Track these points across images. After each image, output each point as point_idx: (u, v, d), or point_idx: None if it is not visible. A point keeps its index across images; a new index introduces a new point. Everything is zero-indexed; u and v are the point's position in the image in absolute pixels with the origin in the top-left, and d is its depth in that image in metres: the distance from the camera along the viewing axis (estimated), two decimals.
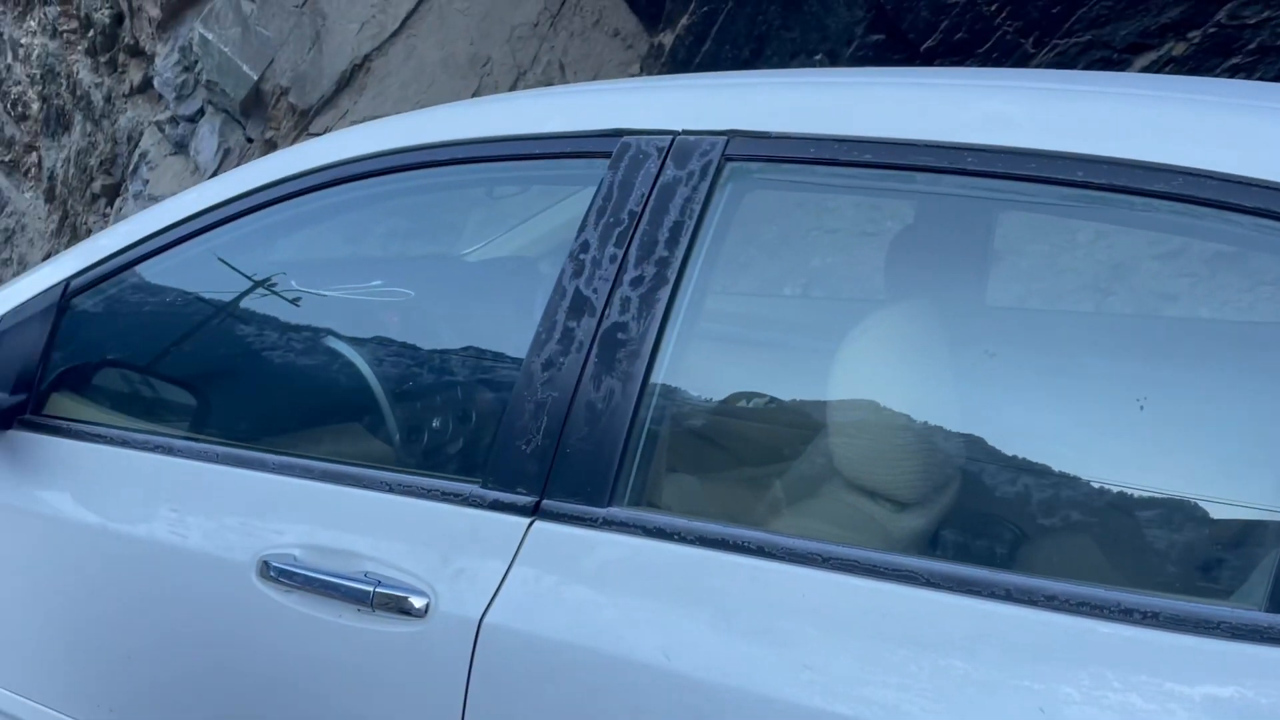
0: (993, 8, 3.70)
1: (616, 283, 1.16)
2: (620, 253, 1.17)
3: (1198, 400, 1.01)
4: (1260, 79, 2.66)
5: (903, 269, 1.31)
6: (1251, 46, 3.33)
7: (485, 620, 1.13)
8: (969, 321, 1.27)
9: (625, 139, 1.21)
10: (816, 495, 1.29)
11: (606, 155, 1.21)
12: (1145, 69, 3.51)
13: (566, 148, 1.26)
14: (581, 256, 1.19)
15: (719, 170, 1.15)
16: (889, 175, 1.08)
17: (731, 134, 1.16)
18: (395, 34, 5.31)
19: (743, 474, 1.32)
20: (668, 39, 4.76)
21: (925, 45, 3.89)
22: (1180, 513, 0.97)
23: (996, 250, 1.24)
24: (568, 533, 1.13)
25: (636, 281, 1.15)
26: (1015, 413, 1.17)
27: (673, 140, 1.18)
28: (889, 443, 1.23)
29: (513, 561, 1.14)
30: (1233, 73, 3.45)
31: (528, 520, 1.15)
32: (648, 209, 1.16)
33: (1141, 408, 1.00)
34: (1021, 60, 3.87)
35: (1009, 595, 0.93)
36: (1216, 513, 0.93)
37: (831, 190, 1.23)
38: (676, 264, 1.14)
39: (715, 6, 4.64)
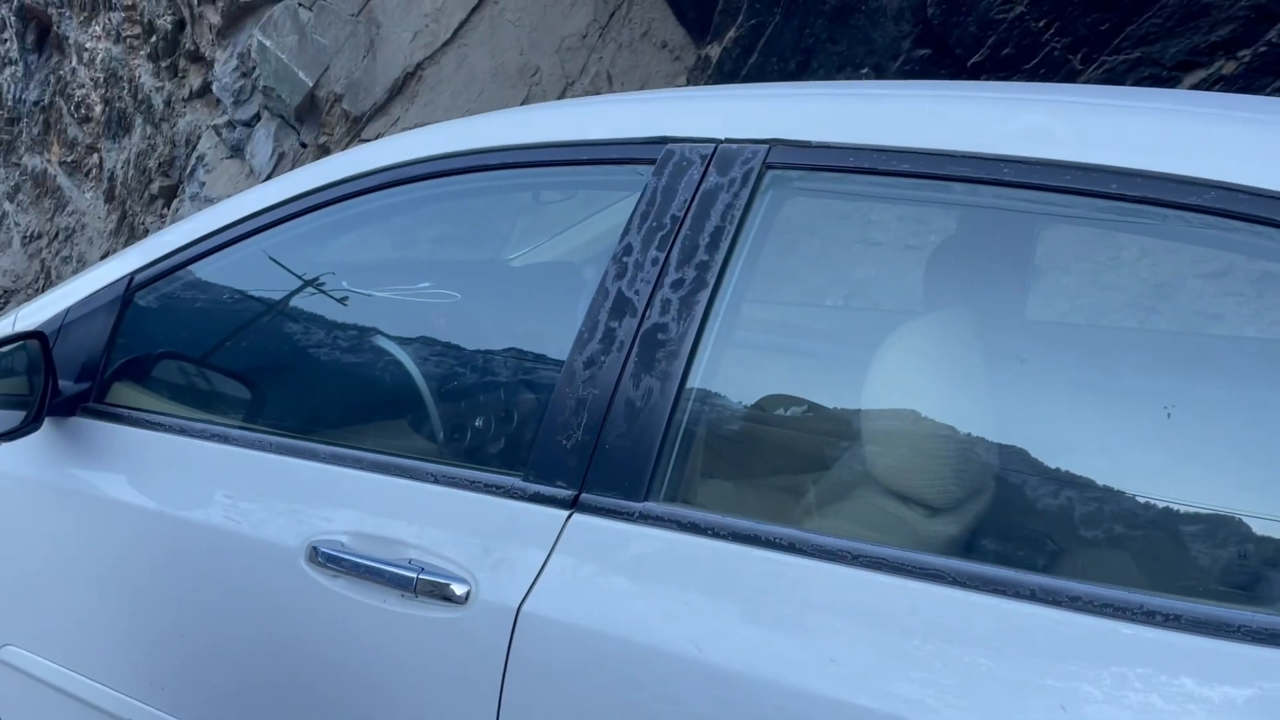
0: (1041, 24, 3.70)
1: (658, 285, 1.19)
2: (662, 256, 1.20)
3: (1226, 414, 1.02)
4: None
5: (940, 279, 1.33)
6: None
7: (523, 608, 1.17)
8: (1005, 333, 1.29)
9: (670, 146, 1.25)
10: (850, 499, 1.32)
11: (651, 162, 1.25)
12: (1194, 87, 3.49)
13: (612, 154, 1.30)
14: (625, 259, 1.23)
15: (760, 178, 1.18)
16: (927, 185, 1.11)
17: (773, 143, 1.19)
18: (447, 43, 5.41)
19: (776, 475, 1.35)
20: (715, 51, 4.81)
21: (972, 60, 3.89)
22: (1206, 520, 0.98)
23: (1038, 264, 1.26)
24: (605, 525, 1.16)
25: (677, 284, 1.19)
26: (1047, 423, 1.19)
27: (715, 148, 1.22)
28: (922, 449, 1.25)
29: (551, 552, 1.18)
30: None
31: (566, 513, 1.19)
32: (690, 214, 1.20)
33: (1169, 415, 1.02)
34: (1069, 77, 3.86)
35: (1034, 595, 0.95)
36: (1241, 520, 0.95)
37: (871, 200, 1.26)
38: (716, 268, 1.17)
39: (763, 19, 4.68)
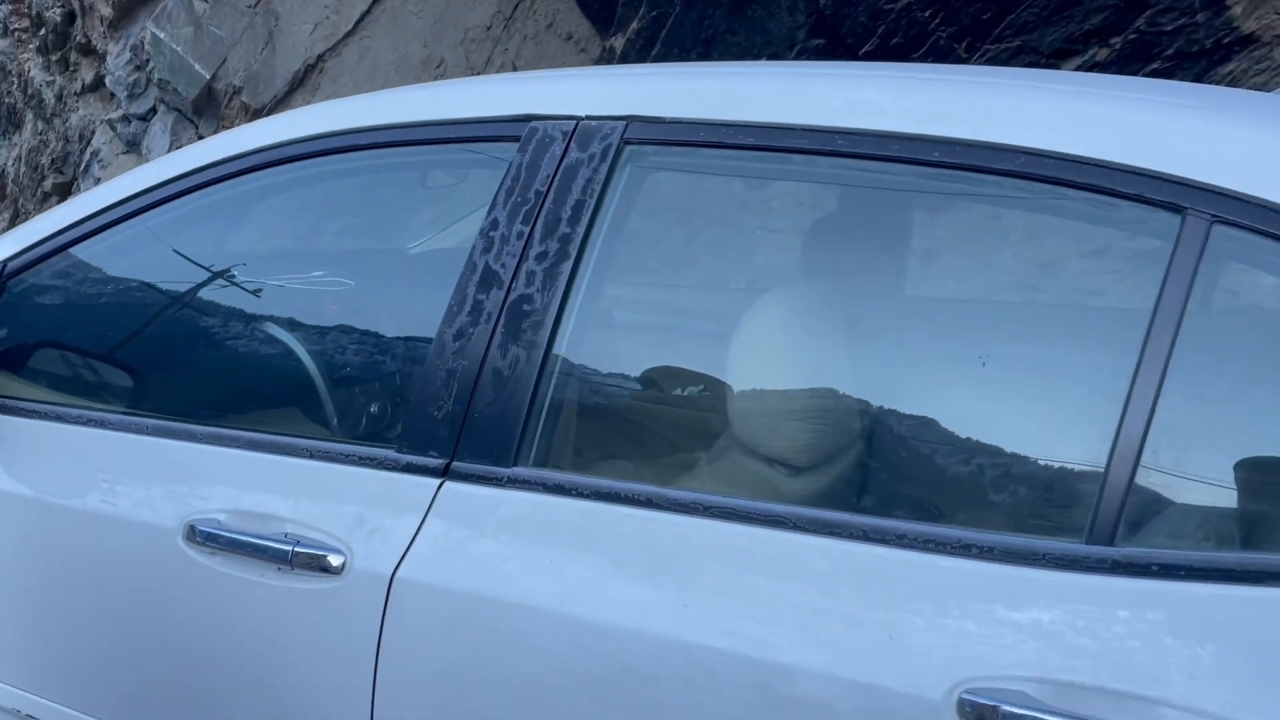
0: (927, 14, 3.83)
1: (523, 258, 1.24)
2: (527, 230, 1.24)
3: (1030, 367, 1.10)
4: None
5: (810, 251, 1.40)
6: (1169, 52, 3.47)
7: (397, 575, 1.20)
8: (857, 300, 1.36)
9: (534, 124, 1.29)
10: (719, 462, 1.38)
11: (516, 139, 1.29)
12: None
13: (480, 132, 1.34)
14: (491, 234, 1.27)
15: (619, 152, 1.23)
16: (770, 157, 1.17)
17: (630, 119, 1.24)
18: (349, 35, 5.35)
19: (643, 439, 1.40)
20: (619, 43, 4.85)
21: (864, 49, 4.00)
22: (1020, 462, 1.06)
23: (885, 231, 1.33)
24: (475, 491, 1.20)
25: (541, 256, 1.23)
26: (892, 382, 1.26)
27: (576, 125, 1.26)
28: (782, 414, 1.32)
29: (424, 519, 1.22)
30: (1152, 77, 3.60)
31: (438, 481, 1.23)
32: (553, 188, 1.24)
33: (984, 364, 1.10)
34: (956, 65, 3.99)
35: (865, 536, 1.02)
36: (1050, 461, 1.03)
37: (722, 173, 1.32)
38: (578, 240, 1.22)
39: (664, 11, 4.73)
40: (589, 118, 1.26)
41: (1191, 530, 0.94)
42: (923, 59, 3.96)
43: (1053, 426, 1.03)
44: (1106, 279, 1.00)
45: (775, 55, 4.31)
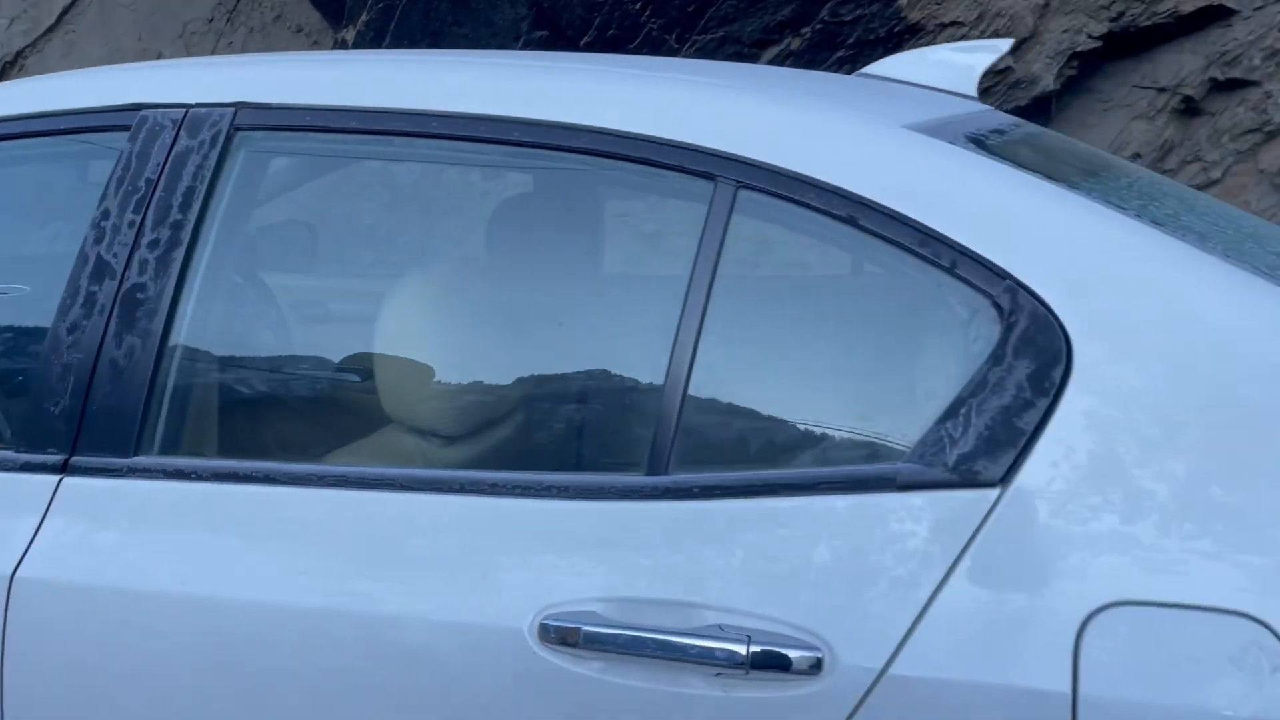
0: (637, 6, 3.99)
1: (135, 247, 1.24)
2: (138, 218, 1.24)
3: (596, 327, 1.21)
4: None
5: (422, 229, 1.46)
6: (851, 41, 3.79)
7: (17, 575, 1.18)
8: (487, 276, 1.43)
9: (143, 112, 1.29)
10: (373, 438, 1.42)
11: (127, 128, 1.29)
12: (770, 62, 3.90)
13: (91, 122, 1.32)
14: (103, 224, 1.26)
15: (229, 139, 1.25)
16: (373, 140, 1.23)
17: (239, 105, 1.26)
18: (51, 29, 4.99)
19: (278, 419, 1.43)
20: (350, 35, 4.77)
21: (583, 41, 4.12)
22: (596, 411, 1.16)
23: (481, 208, 1.39)
24: (95, 484, 1.19)
25: (153, 244, 1.24)
26: (524, 354, 1.34)
27: (186, 112, 1.27)
28: (429, 385, 1.38)
29: (44, 518, 1.20)
30: (839, 65, 3.91)
31: (57, 477, 1.21)
32: (163, 176, 1.25)
33: (560, 325, 1.20)
34: (669, 55, 4.18)
35: (462, 488, 1.09)
36: (618, 407, 1.14)
37: (331, 155, 1.36)
38: (190, 226, 1.23)
39: (391, 3, 4.69)
40: (199, 105, 1.27)
41: (729, 455, 1.07)
42: (638, 50, 4.13)
43: (619, 378, 1.13)
44: (660, 239, 1.11)
45: (502, 47, 4.37)
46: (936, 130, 1.11)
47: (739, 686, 0.97)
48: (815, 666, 0.95)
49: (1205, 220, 1.17)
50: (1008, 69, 3.53)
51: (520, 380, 1.27)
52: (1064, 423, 0.95)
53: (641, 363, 1.08)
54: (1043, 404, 0.95)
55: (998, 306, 0.99)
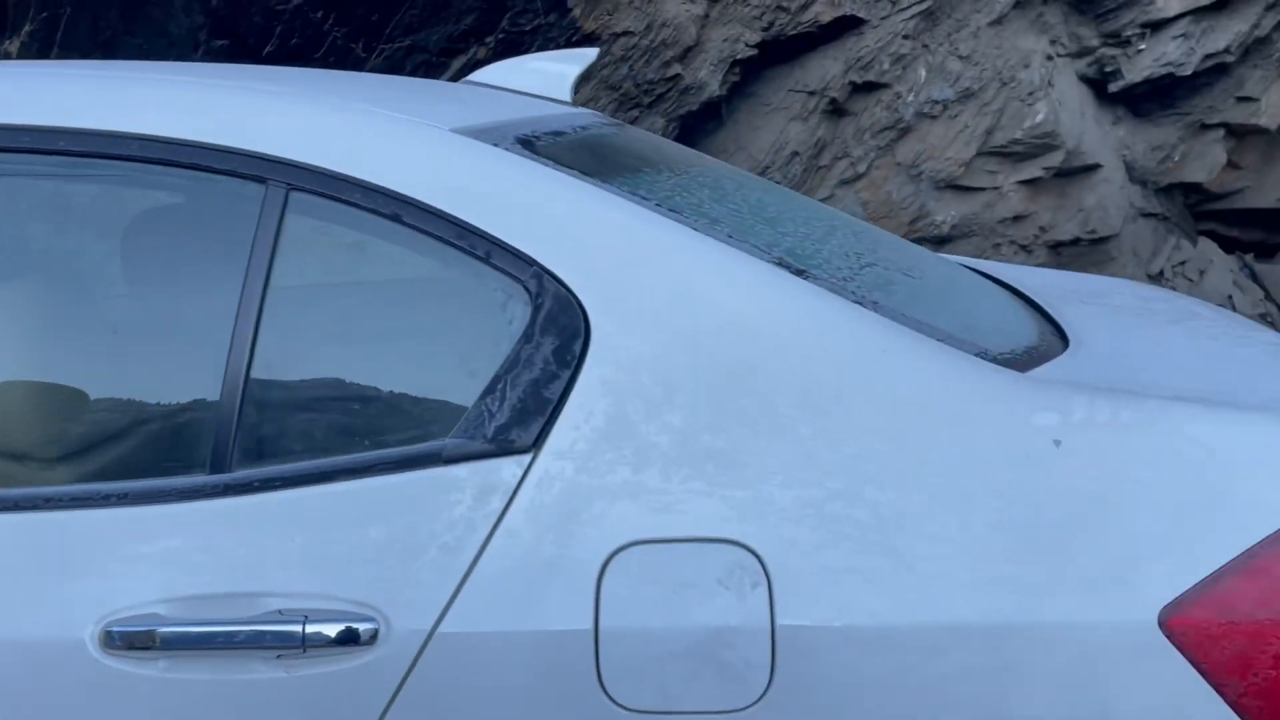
0: (320, 14, 3.94)
1: None
2: None
3: (149, 333, 1.21)
4: None
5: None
6: (534, 48, 3.90)
7: None
8: (40, 289, 1.35)
9: None
10: None
11: None
12: (459, 71, 3.95)
13: None
14: None
15: None
16: None
17: None
18: None
19: None
20: (14, 47, 4.42)
21: (266, 50, 4.02)
22: (156, 416, 1.16)
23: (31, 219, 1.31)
24: None
25: None
26: (80, 363, 1.28)
27: None
28: (22, 410, 1.32)
29: None
30: None
31: None
32: None
33: (115, 333, 1.21)
34: (356, 65, 4.15)
35: (16, 505, 1.08)
36: (180, 410, 1.15)
37: None
38: None
39: (55, 12, 4.39)
40: None
41: (293, 448, 1.11)
42: (323, 60, 4.07)
43: (180, 382, 1.15)
44: (218, 243, 1.14)
45: (180, 57, 4.19)
46: (484, 133, 1.20)
47: (299, 665, 1.02)
48: (372, 637, 1.01)
49: (730, 208, 1.33)
50: (677, 76, 3.77)
51: (76, 392, 1.25)
52: (584, 390, 1.06)
53: (202, 365, 1.10)
54: (566, 375, 1.06)
55: (528, 290, 1.09)
